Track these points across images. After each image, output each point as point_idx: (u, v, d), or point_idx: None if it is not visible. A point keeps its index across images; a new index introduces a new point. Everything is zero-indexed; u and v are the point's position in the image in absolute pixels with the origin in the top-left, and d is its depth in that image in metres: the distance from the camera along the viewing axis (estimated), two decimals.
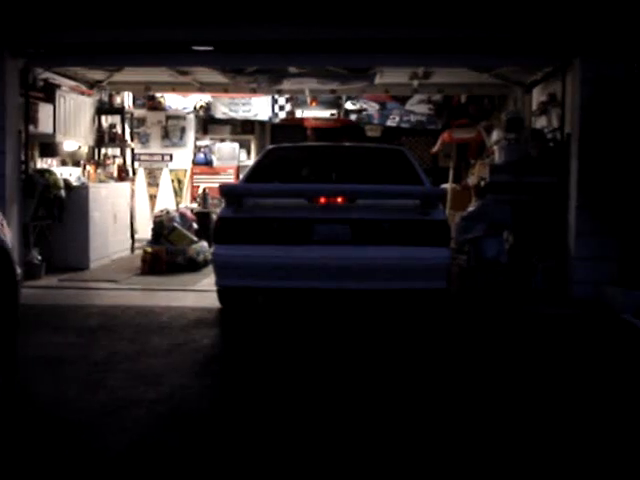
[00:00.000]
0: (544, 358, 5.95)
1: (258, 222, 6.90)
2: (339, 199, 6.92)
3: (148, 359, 5.61)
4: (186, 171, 14.15)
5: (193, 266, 10.00)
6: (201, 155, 14.16)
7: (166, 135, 14.21)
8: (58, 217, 9.65)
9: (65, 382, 5.04)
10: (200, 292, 8.49)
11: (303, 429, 4.23)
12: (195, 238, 10.51)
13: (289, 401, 4.73)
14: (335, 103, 13.95)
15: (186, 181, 14.08)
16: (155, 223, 10.66)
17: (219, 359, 5.89)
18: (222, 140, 14.67)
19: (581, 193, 8.18)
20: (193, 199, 13.40)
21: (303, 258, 6.74)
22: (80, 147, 11.52)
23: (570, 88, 8.54)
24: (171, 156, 14.20)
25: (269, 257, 6.77)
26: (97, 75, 11.16)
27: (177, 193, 14.11)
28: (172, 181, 14.16)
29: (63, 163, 11.05)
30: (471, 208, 8.78)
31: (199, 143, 14.49)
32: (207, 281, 8.75)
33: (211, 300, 7.63)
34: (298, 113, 14.16)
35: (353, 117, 13.98)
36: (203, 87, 11.88)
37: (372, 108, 13.70)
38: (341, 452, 3.90)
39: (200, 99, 13.79)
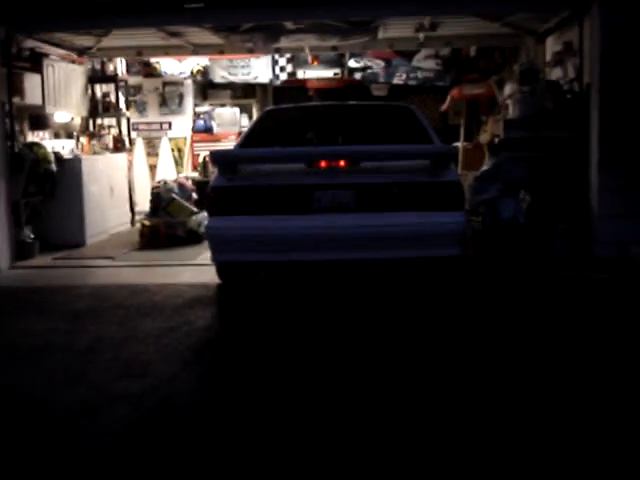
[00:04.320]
0: (569, 327, 5.48)
1: (254, 191, 6.39)
2: (341, 162, 6.36)
3: (136, 346, 5.17)
4: (186, 139, 13.61)
5: (194, 238, 9.51)
6: (201, 122, 13.60)
7: (164, 102, 13.59)
8: (50, 192, 9.20)
9: (45, 374, 4.64)
10: (199, 267, 8.01)
11: (303, 426, 3.76)
12: (195, 209, 10.00)
13: (290, 393, 4.24)
14: (338, 62, 13.35)
15: (186, 149, 13.56)
16: (153, 195, 10.18)
17: (214, 343, 5.41)
18: (222, 105, 14.07)
19: (603, 147, 7.77)
20: (194, 168, 12.92)
21: (304, 228, 6.25)
22: (73, 118, 11.00)
23: (588, 35, 8.06)
24: (170, 124, 13.62)
25: (267, 228, 6.27)
26: (85, 41, 10.60)
27: (178, 162, 13.59)
28: (172, 150, 13.62)
29: (56, 136, 10.57)
30: (485, 167, 8.39)
31: (198, 109, 13.90)
32: (207, 254, 8.25)
33: (210, 275, 7.17)
34: (300, 74, 13.55)
35: (357, 76, 13.38)
36: (197, 49, 11.28)
37: (377, 66, 13.10)
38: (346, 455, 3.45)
39: (197, 63, 13.22)
